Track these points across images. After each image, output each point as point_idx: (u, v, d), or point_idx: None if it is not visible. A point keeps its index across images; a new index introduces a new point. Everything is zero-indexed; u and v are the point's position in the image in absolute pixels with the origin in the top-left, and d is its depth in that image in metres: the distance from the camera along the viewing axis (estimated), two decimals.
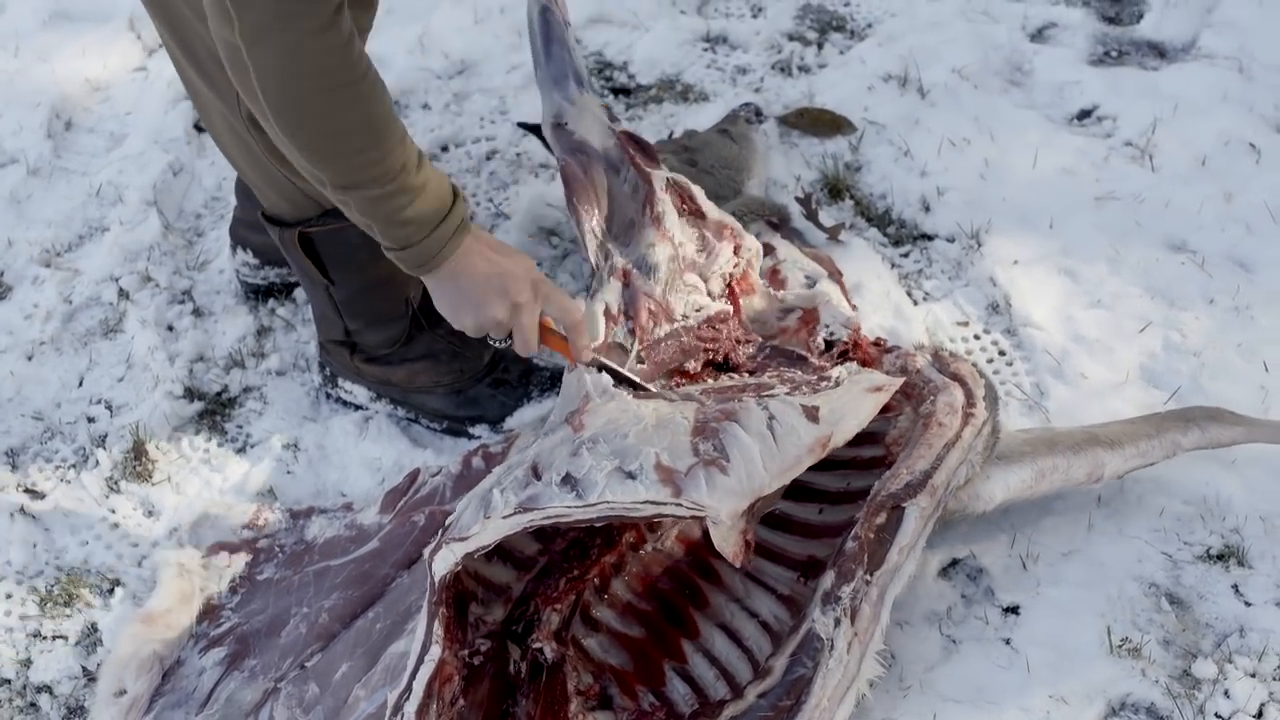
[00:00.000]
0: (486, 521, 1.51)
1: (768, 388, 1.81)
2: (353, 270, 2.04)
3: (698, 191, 2.14)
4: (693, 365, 1.99)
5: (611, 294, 2.02)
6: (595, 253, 2.07)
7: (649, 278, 2.01)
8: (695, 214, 2.12)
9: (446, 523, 1.62)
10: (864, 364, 1.99)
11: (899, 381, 1.85)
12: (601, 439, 1.57)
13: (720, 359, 2.03)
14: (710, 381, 1.96)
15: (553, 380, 2.21)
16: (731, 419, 1.61)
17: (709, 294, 2.08)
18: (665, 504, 1.50)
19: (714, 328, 2.03)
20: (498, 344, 1.88)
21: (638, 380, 1.85)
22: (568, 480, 1.52)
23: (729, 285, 2.10)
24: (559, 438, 1.65)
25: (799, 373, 1.90)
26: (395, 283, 2.08)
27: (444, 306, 1.78)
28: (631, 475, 1.50)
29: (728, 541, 1.50)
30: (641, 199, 2.09)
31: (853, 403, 1.74)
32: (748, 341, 2.06)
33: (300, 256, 2.02)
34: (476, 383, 2.19)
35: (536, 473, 1.56)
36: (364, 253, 1.98)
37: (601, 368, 1.81)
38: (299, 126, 1.57)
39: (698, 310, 2.03)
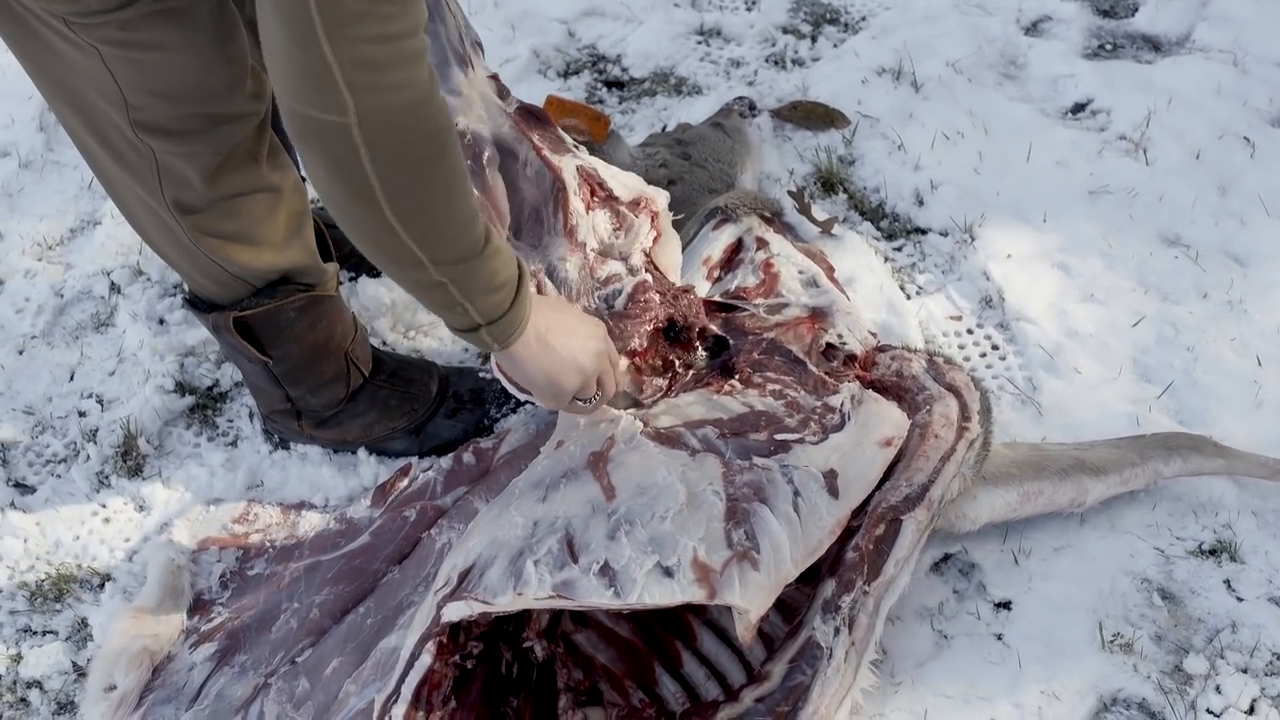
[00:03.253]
0: (519, 597, 1.51)
1: (779, 424, 1.81)
2: (290, 342, 1.98)
3: (607, 172, 2.11)
4: (637, 343, 1.96)
5: None
6: None
7: (559, 290, 1.99)
8: (608, 199, 2.09)
9: (465, 568, 1.61)
10: (862, 378, 1.98)
11: (906, 427, 1.85)
12: (638, 520, 1.58)
13: (663, 324, 1.98)
14: (711, 394, 1.93)
15: (504, 390, 2.14)
16: (760, 496, 1.64)
17: (629, 269, 2.05)
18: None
19: (639, 301, 1.98)
20: (588, 403, 1.79)
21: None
22: (606, 571, 1.52)
23: (647, 254, 2.09)
24: (588, 498, 1.65)
25: (802, 391, 1.89)
26: (333, 343, 2.03)
27: (540, 377, 1.68)
28: (669, 573, 1.52)
29: (749, 631, 1.52)
30: (553, 199, 2.04)
31: (864, 461, 1.76)
32: (683, 291, 2.02)
33: (236, 339, 1.94)
34: (432, 417, 2.16)
35: (573, 551, 1.56)
36: (301, 324, 1.95)
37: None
38: (417, 204, 1.41)
39: (617, 295, 2.01)
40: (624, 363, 1.96)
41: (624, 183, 2.13)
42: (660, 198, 2.14)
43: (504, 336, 1.60)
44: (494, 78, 2.14)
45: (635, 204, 2.10)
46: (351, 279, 2.41)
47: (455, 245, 1.48)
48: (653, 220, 2.11)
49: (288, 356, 2.00)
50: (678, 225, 2.26)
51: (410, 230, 1.42)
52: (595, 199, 2.08)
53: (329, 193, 1.41)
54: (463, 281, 1.51)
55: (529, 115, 2.12)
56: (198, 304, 1.94)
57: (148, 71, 1.59)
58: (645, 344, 1.99)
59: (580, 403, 1.76)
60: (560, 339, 1.67)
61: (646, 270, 2.06)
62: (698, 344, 2.02)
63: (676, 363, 2.00)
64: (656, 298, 1.96)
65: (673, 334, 1.99)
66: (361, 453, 2.15)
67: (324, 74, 1.28)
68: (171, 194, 1.73)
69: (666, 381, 1.98)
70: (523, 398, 1.85)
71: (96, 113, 1.65)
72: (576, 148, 2.16)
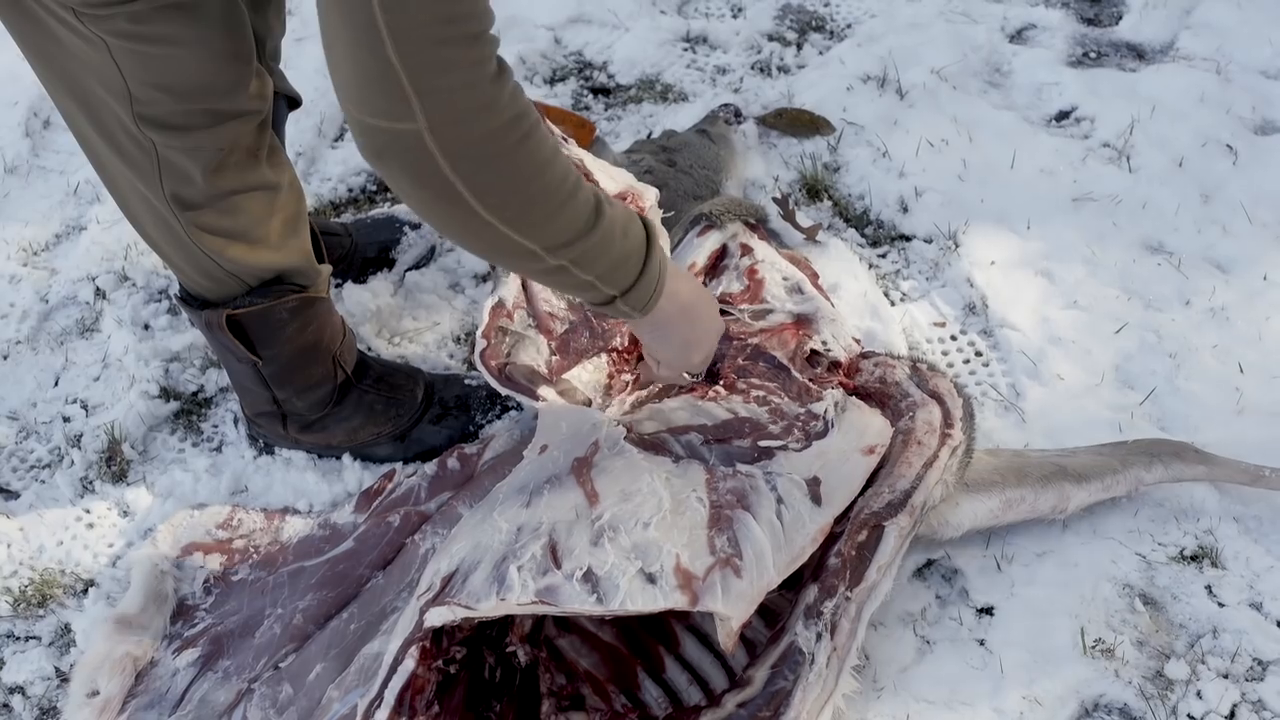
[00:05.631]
0: (501, 603, 1.51)
1: (763, 431, 1.81)
2: (280, 343, 1.97)
3: (594, 164, 2.11)
4: (620, 341, 1.96)
5: (508, 290, 2.03)
6: None
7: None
8: None
9: (448, 573, 1.61)
10: (846, 385, 1.98)
11: (889, 434, 1.85)
12: (622, 527, 1.58)
13: None
14: (695, 400, 1.93)
15: (490, 397, 2.19)
16: (743, 504, 1.64)
17: None
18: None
19: None
20: (694, 378, 1.80)
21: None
22: (589, 578, 1.52)
23: None
24: (572, 503, 1.65)
25: (785, 398, 1.90)
26: (322, 345, 2.03)
27: (675, 344, 1.68)
28: (652, 579, 1.52)
29: (731, 638, 1.53)
30: None
31: (848, 468, 1.76)
32: None
33: (227, 338, 1.93)
34: (417, 423, 2.15)
35: (556, 557, 1.56)
36: (293, 325, 1.95)
37: None
38: (509, 198, 1.38)
39: None
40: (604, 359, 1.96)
41: (612, 176, 2.13)
42: (648, 194, 2.14)
43: (641, 303, 1.58)
44: None
45: (621, 198, 2.11)
46: (338, 285, 2.41)
47: (562, 229, 1.44)
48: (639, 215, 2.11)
49: (277, 357, 2.00)
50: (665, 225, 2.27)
51: (510, 224, 1.39)
52: None
53: (418, 201, 1.39)
54: (583, 261, 1.47)
55: None
56: (190, 301, 1.94)
57: (155, 65, 1.59)
58: (627, 342, 2.00)
59: (689, 376, 1.78)
60: (698, 308, 1.67)
61: None
62: None
63: None
64: None
65: None
66: (346, 458, 2.15)
67: (390, 79, 1.27)
68: (171, 189, 1.73)
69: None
70: (538, 404, 1.85)
71: (99, 106, 1.66)
72: (565, 139, 2.16)
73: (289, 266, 1.90)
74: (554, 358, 2.00)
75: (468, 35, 1.28)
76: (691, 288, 1.69)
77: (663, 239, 1.98)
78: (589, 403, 1.97)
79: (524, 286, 2.06)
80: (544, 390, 1.94)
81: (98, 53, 1.57)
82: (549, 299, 2.03)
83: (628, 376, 1.98)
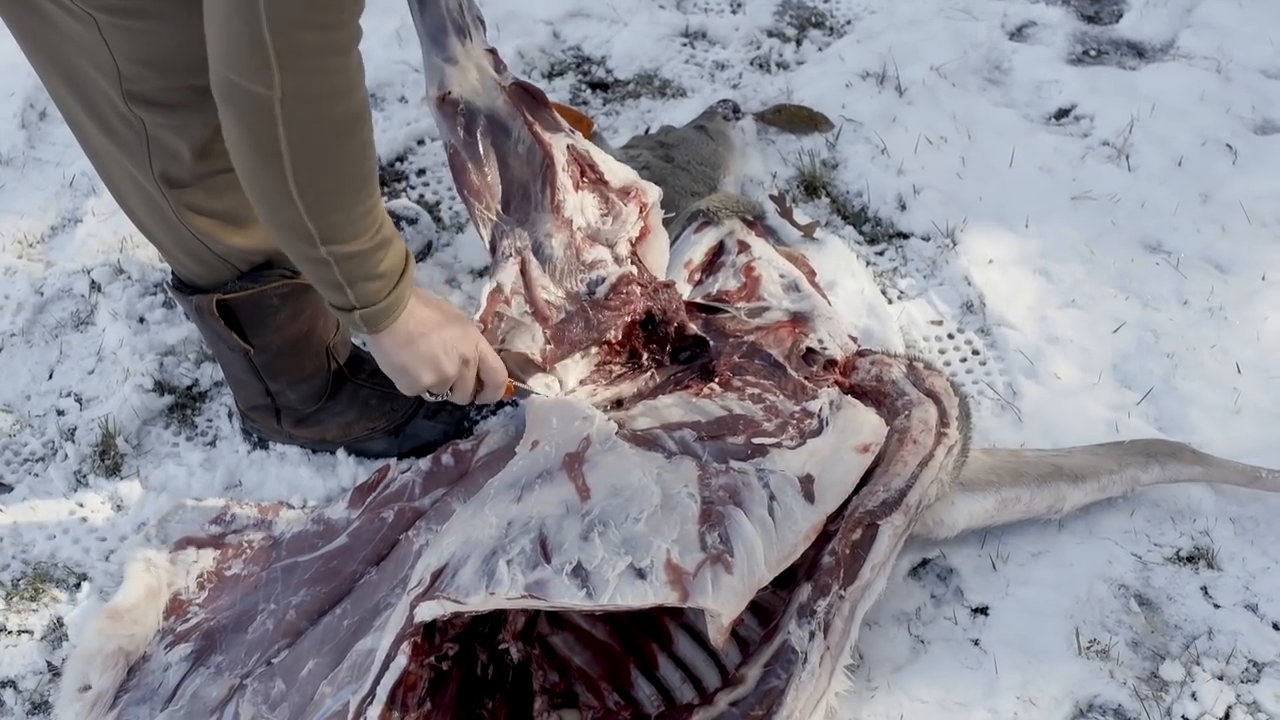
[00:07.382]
0: (491, 596, 1.51)
1: (757, 429, 1.80)
2: (272, 331, 1.98)
3: (599, 157, 2.12)
4: (613, 334, 1.97)
5: (506, 276, 2.03)
6: (489, 236, 2.07)
7: (544, 268, 2.01)
8: (598, 182, 2.10)
9: (438, 567, 1.61)
10: (841, 384, 1.98)
11: (884, 433, 1.85)
12: (612, 522, 1.59)
13: (641, 316, 2.00)
14: (690, 397, 1.93)
15: None
16: (735, 500, 1.64)
17: (615, 259, 2.06)
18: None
19: (621, 293, 2.00)
20: (436, 398, 1.84)
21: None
22: (579, 572, 1.52)
23: (633, 245, 2.09)
24: (562, 498, 1.65)
25: (780, 395, 1.89)
26: (314, 336, 2.03)
27: (399, 366, 1.74)
28: (642, 574, 1.52)
29: (722, 634, 1.53)
30: (541, 175, 2.05)
31: (841, 466, 1.76)
32: (664, 286, 2.03)
33: (218, 324, 1.94)
34: (412, 418, 2.16)
35: (545, 551, 1.56)
36: (284, 312, 1.96)
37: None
38: (320, 182, 1.48)
39: (600, 283, 2.02)
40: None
41: (614, 171, 2.13)
42: (651, 191, 2.14)
43: (374, 323, 1.66)
44: (491, 52, 2.15)
45: (625, 192, 2.11)
46: None
47: (347, 228, 1.53)
48: (641, 210, 2.11)
49: (269, 346, 2.00)
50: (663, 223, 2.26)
51: (308, 206, 1.48)
52: (585, 180, 2.09)
53: (240, 154, 1.47)
54: (346, 264, 1.56)
55: (524, 92, 2.12)
56: (182, 288, 1.94)
57: (142, 41, 1.61)
58: (621, 335, 1.99)
59: (430, 394, 1.82)
60: (427, 339, 1.72)
61: (632, 262, 2.06)
62: (671, 342, 2.02)
63: (645, 356, 2.00)
64: (639, 290, 1.97)
65: (650, 327, 1.99)
66: (340, 453, 2.14)
67: (258, 49, 1.35)
68: (160, 168, 1.75)
69: (627, 371, 1.98)
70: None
71: (90, 86, 1.68)
72: (571, 131, 2.16)
73: (279, 251, 1.90)
74: (548, 346, 1.99)
75: (336, 23, 1.38)
76: (422, 321, 1.73)
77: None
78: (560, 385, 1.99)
79: (523, 273, 2.06)
80: (534, 382, 1.94)
81: (87, 30, 1.60)
82: (547, 286, 2.03)
83: (617, 368, 1.98)
